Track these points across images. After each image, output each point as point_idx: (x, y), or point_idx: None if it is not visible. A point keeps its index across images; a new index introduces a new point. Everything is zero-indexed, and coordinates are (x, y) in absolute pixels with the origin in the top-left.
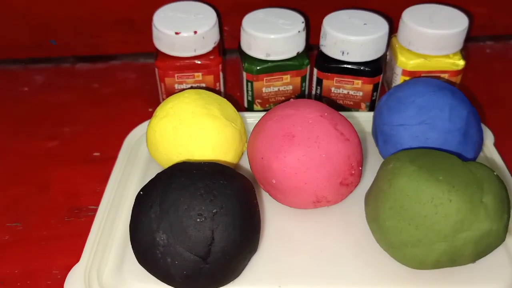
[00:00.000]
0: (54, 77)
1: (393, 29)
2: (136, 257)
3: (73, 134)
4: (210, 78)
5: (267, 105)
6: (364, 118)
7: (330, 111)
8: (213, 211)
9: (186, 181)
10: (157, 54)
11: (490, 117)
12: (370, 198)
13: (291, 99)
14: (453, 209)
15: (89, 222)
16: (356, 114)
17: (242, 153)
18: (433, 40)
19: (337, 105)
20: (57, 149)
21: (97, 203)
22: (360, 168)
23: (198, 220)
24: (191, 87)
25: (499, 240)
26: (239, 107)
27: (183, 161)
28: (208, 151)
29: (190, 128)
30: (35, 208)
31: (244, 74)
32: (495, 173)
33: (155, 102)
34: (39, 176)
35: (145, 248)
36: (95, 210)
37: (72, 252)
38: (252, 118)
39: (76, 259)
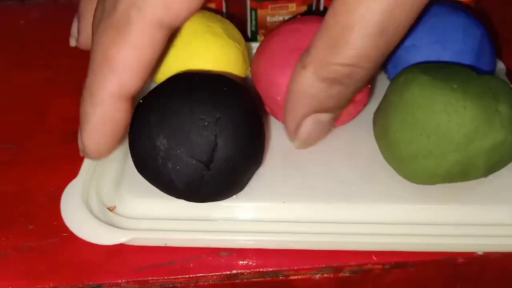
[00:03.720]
0: (51, 12)
1: None
2: (136, 167)
3: (70, 65)
4: (212, 5)
5: None
6: None
7: None
8: (217, 116)
9: (188, 88)
10: None
11: (502, 48)
12: (379, 113)
13: (298, 16)
14: (467, 117)
15: None
16: None
17: (245, 78)
18: None
19: None
20: (54, 79)
21: None
22: (369, 85)
23: (201, 124)
24: None
25: None
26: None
27: (184, 71)
28: (209, 70)
29: (191, 45)
30: (31, 131)
31: (248, 1)
32: (511, 86)
33: None
34: (35, 104)
35: (145, 155)
36: None
37: (69, 171)
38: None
39: (73, 179)
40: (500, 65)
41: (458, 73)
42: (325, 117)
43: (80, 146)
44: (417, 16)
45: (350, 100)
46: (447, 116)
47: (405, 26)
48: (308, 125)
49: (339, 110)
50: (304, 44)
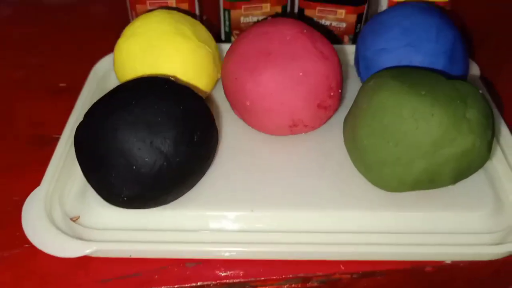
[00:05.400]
0: (22, 9)
1: None
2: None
3: (39, 65)
4: (184, 6)
5: None
6: (347, 51)
7: (309, 29)
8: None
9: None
10: None
11: (477, 49)
12: (349, 119)
13: (269, 17)
14: (435, 123)
15: (53, 151)
16: (338, 47)
17: (217, 81)
18: None
19: None
20: (22, 80)
21: (61, 132)
22: (340, 91)
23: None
24: None
25: (482, 158)
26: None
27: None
28: (178, 73)
29: (159, 48)
30: None
31: (221, 1)
32: (480, 91)
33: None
34: (3, 106)
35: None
36: (59, 139)
37: (34, 179)
38: None
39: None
40: (474, 66)
41: (428, 78)
42: None
43: None
44: None
45: None
46: (414, 123)
47: None
48: None
49: None
50: (273, 46)
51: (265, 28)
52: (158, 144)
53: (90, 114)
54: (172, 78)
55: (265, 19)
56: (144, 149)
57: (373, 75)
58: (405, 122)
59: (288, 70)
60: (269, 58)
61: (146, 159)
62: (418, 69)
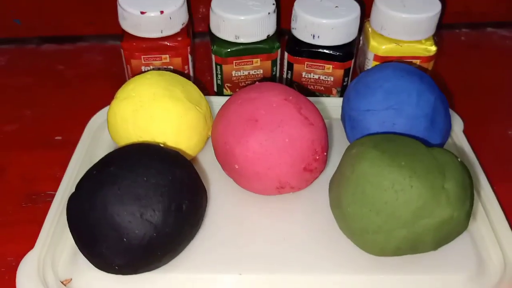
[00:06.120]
0: (17, 58)
1: (366, 14)
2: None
3: (34, 118)
4: (178, 61)
5: (237, 89)
6: (334, 104)
7: (295, 95)
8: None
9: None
10: (123, 35)
11: (461, 104)
12: (334, 184)
13: (256, 82)
14: (414, 195)
15: (47, 208)
16: (326, 99)
17: (208, 139)
18: (405, 25)
19: (308, 91)
20: (16, 133)
21: (56, 188)
22: (325, 153)
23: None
24: (159, 70)
25: (461, 227)
26: (208, 92)
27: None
28: (169, 135)
29: (151, 111)
30: None
31: (213, 57)
32: (459, 159)
33: (122, 85)
34: None
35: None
36: (53, 196)
37: (28, 238)
38: (221, 103)
39: (32, 246)
40: (457, 120)
41: (408, 147)
42: None
43: None
44: None
45: None
46: (394, 194)
47: None
48: None
49: None
50: (259, 113)
51: (252, 94)
52: (148, 217)
53: (81, 187)
54: (162, 144)
55: (253, 82)
56: (134, 222)
57: (356, 142)
58: (386, 193)
59: (274, 137)
60: (257, 125)
61: (136, 231)
62: (399, 137)
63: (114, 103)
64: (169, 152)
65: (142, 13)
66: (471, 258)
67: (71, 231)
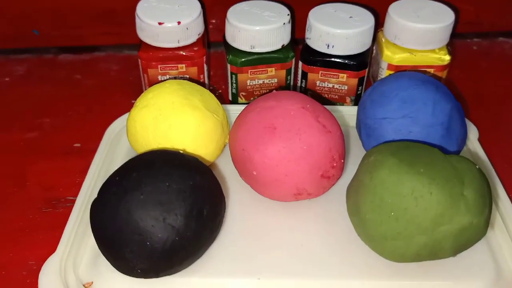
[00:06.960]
0: (35, 68)
1: (379, 24)
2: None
3: (53, 126)
4: (193, 70)
5: (251, 98)
6: (348, 112)
7: (312, 103)
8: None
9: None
10: (141, 45)
11: (474, 112)
12: (351, 191)
13: (274, 91)
14: (433, 202)
15: (67, 214)
16: (340, 108)
17: (225, 145)
18: (419, 34)
19: (322, 99)
20: (36, 141)
21: (76, 194)
22: (342, 161)
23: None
24: (175, 78)
25: (480, 234)
26: (223, 101)
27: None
28: (188, 143)
29: (170, 119)
30: (11, 199)
31: (229, 66)
32: (477, 167)
33: (138, 94)
34: (16, 168)
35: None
36: (73, 201)
37: (49, 243)
38: (236, 111)
39: (53, 250)
40: (471, 127)
41: (426, 155)
42: None
43: None
44: None
45: None
46: (414, 201)
47: None
48: None
49: None
50: (277, 121)
51: (269, 102)
52: (171, 221)
53: (104, 192)
54: (181, 151)
55: (270, 91)
56: (157, 226)
57: (373, 149)
58: (405, 199)
59: (292, 144)
60: (274, 133)
61: (159, 235)
62: (416, 144)
63: (134, 111)
64: (189, 159)
65: (160, 24)
66: (488, 265)
67: (94, 235)
